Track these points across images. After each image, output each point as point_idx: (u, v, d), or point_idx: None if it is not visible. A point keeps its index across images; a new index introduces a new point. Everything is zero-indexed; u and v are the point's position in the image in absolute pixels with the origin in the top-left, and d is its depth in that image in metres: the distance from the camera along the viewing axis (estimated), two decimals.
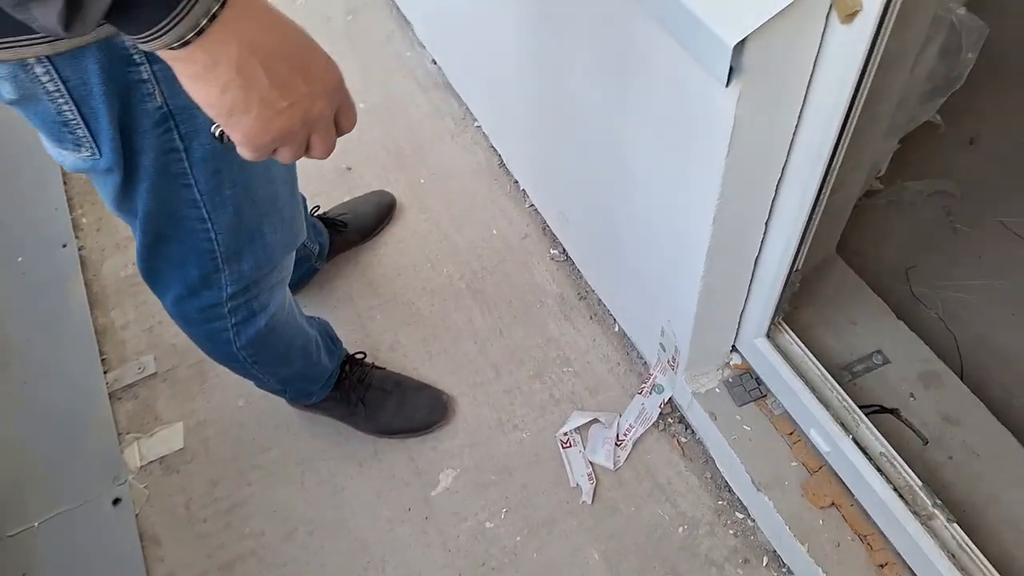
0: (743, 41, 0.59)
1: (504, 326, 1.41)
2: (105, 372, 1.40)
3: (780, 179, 0.80)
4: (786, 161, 0.78)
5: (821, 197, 0.81)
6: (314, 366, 1.14)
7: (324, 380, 1.20)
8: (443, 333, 1.41)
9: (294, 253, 0.95)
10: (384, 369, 1.32)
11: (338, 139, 0.58)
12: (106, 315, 1.50)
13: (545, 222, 1.53)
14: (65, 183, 1.71)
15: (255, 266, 0.86)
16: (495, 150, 1.66)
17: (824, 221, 0.90)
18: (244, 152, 0.53)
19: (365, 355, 1.30)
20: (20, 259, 1.59)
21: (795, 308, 1.12)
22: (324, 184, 1.66)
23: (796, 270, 0.95)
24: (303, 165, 1.48)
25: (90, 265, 1.58)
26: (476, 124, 1.72)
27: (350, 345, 1.29)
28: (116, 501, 1.22)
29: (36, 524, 1.21)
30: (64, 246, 1.60)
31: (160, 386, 1.38)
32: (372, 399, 1.25)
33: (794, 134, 0.74)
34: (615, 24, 0.81)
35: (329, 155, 0.57)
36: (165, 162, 0.69)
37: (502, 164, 1.65)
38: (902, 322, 1.16)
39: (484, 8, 1.27)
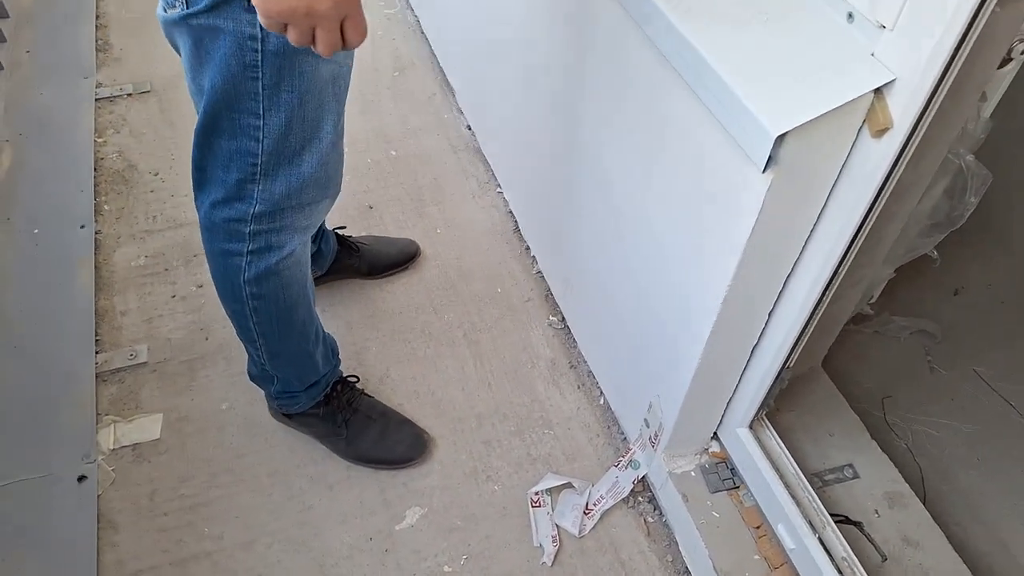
0: (784, 134, 0.65)
1: (493, 380, 1.42)
2: (97, 352, 1.38)
3: (791, 273, 0.85)
4: (799, 256, 0.83)
5: (825, 297, 0.86)
6: (308, 356, 1.14)
7: (312, 383, 1.18)
8: (433, 376, 1.42)
9: (322, 209, 0.97)
10: (372, 397, 1.31)
11: (347, 50, 0.66)
12: (109, 299, 1.49)
13: (549, 289, 1.57)
14: (96, 168, 1.74)
15: (286, 193, 0.89)
16: (512, 215, 1.73)
17: (816, 331, 0.94)
18: (260, 16, 0.62)
19: (358, 379, 1.29)
20: (36, 231, 1.59)
21: (777, 409, 1.15)
22: (345, 218, 1.70)
23: (788, 367, 0.98)
24: None
25: (103, 249, 1.59)
26: (498, 190, 1.79)
27: (342, 367, 1.29)
28: (81, 478, 1.18)
29: None
30: (82, 227, 1.60)
31: (148, 376, 1.36)
32: (356, 424, 1.24)
33: (811, 231, 0.80)
34: (657, 97, 0.87)
35: (329, 54, 0.64)
36: (243, 43, 0.75)
37: (516, 229, 1.70)
38: (875, 442, 1.19)
39: (518, 83, 1.36)
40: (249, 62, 0.77)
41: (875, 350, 1.46)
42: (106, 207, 1.68)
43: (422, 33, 2.21)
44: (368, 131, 1.91)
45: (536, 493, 1.25)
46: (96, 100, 1.90)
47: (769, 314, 0.91)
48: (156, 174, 1.74)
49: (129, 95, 1.94)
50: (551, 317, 1.54)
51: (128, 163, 1.77)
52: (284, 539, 1.17)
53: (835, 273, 0.84)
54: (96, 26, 2.14)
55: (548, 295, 1.57)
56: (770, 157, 0.67)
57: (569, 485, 1.26)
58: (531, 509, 1.23)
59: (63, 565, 1.09)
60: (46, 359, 1.35)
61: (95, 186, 1.71)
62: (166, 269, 1.56)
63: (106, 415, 1.28)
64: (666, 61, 0.80)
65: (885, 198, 0.75)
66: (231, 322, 1.08)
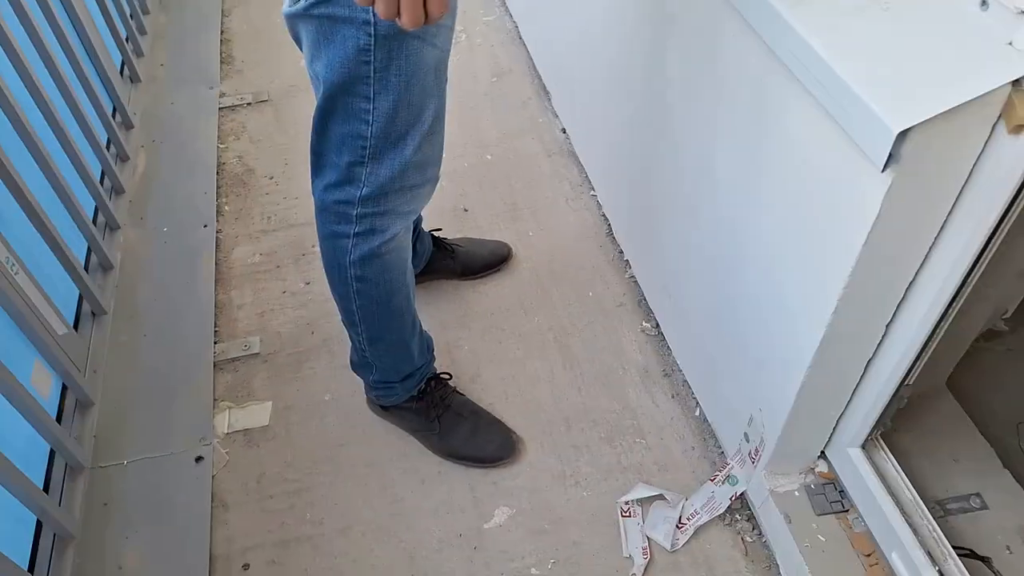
0: (907, 130, 0.60)
1: (584, 384, 1.41)
2: (215, 343, 1.48)
3: (911, 283, 0.79)
4: (921, 266, 0.77)
5: (950, 311, 0.79)
6: (404, 345, 1.18)
7: (408, 375, 1.22)
8: (523, 377, 1.42)
9: (423, 194, 1.01)
10: (464, 396, 1.33)
11: (428, 24, 0.68)
12: (227, 293, 1.60)
13: (643, 294, 1.54)
14: (218, 172, 1.87)
15: (390, 176, 0.93)
16: (606, 219, 1.70)
17: (940, 347, 0.87)
18: None
19: (451, 376, 1.32)
20: (165, 229, 1.73)
21: (894, 429, 1.07)
22: (441, 221, 1.73)
23: (907, 384, 0.91)
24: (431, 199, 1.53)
25: (223, 247, 1.70)
26: (592, 193, 1.78)
27: (436, 367, 1.32)
28: (199, 459, 1.27)
29: (125, 462, 1.27)
30: (205, 226, 1.73)
31: (260, 366, 1.45)
32: (448, 420, 1.27)
33: (936, 238, 0.74)
34: (762, 91, 0.83)
35: (413, 25, 0.67)
36: (357, 28, 0.80)
37: (610, 233, 1.68)
38: (1008, 471, 1.08)
39: (614, 84, 1.34)
40: (363, 46, 0.82)
41: (1009, 371, 1.32)
42: (226, 208, 1.81)
43: (520, 39, 2.23)
44: (465, 136, 1.95)
45: (627, 502, 1.22)
46: (219, 109, 2.05)
47: (886, 327, 0.84)
48: (271, 178, 1.85)
49: (248, 104, 2.08)
50: (644, 323, 1.50)
51: (246, 167, 1.90)
52: (377, 528, 1.20)
53: (962, 285, 0.77)
54: (221, 40, 2.31)
55: (641, 300, 1.54)
56: (890, 155, 0.63)
57: (661, 497, 1.22)
58: (620, 518, 1.21)
59: (180, 539, 1.18)
60: (171, 347, 1.46)
61: (217, 188, 1.84)
62: (278, 266, 1.65)
63: (221, 401, 1.38)
64: (771, 52, 0.76)
65: (1022, 204, 0.68)
66: (337, 306, 1.13)
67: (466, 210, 1.78)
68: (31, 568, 1.08)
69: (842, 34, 0.67)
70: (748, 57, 0.83)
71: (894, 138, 0.60)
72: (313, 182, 0.99)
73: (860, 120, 0.64)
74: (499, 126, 1.98)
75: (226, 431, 1.33)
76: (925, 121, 0.59)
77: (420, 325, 1.22)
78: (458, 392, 1.33)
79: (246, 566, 1.16)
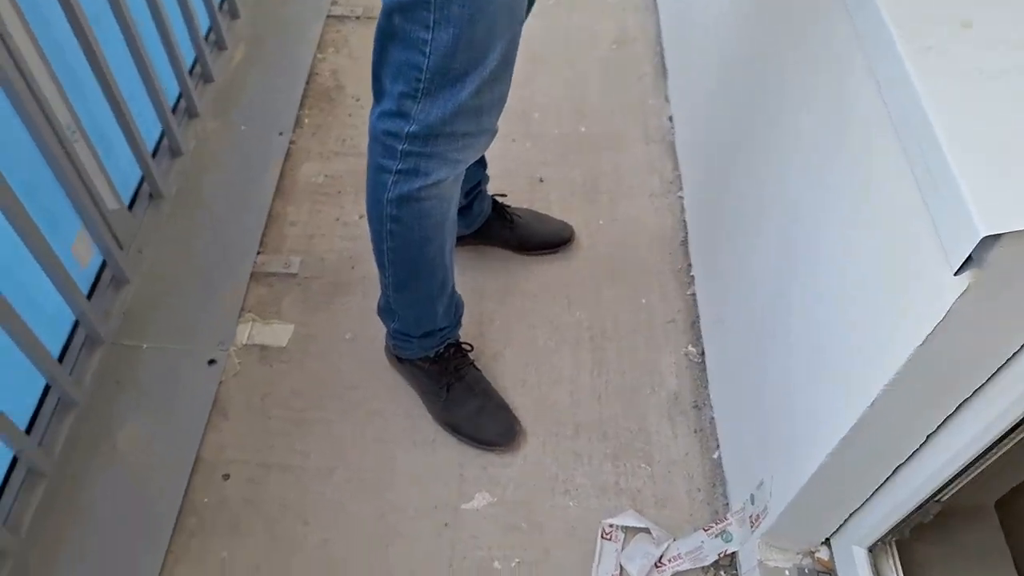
0: (998, 235, 0.53)
1: (606, 394, 1.38)
2: (258, 253, 1.53)
3: (967, 400, 0.71)
4: (984, 384, 0.69)
5: (1005, 442, 0.71)
6: (429, 301, 1.17)
7: (427, 332, 1.22)
8: (546, 370, 1.40)
9: (475, 146, 0.98)
10: (480, 372, 1.33)
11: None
12: (284, 207, 1.64)
13: (698, 316, 1.48)
14: (308, 82, 1.90)
15: (441, 117, 0.90)
16: (685, 225, 1.63)
17: (995, 467, 0.79)
18: None
19: (472, 349, 1.32)
20: (243, 127, 1.78)
21: (917, 539, 0.99)
22: (512, 186, 1.70)
23: (937, 501, 0.84)
24: (501, 159, 1.51)
25: (292, 159, 1.74)
26: (679, 194, 1.70)
27: (462, 333, 1.31)
28: (211, 362, 1.33)
29: (144, 346, 1.35)
30: (280, 134, 1.77)
31: (294, 287, 1.49)
32: (457, 391, 1.27)
33: (1007, 361, 0.66)
34: (864, 146, 0.76)
35: None
36: None
37: (684, 242, 1.61)
38: None
39: (731, 88, 1.26)
40: None
41: None
42: (306, 120, 1.84)
43: (655, 6, 2.12)
44: (565, 101, 1.89)
45: (611, 525, 1.20)
46: (328, 17, 2.07)
47: (928, 437, 0.77)
48: (358, 100, 1.86)
49: (357, 18, 2.09)
50: (690, 347, 1.45)
51: (337, 83, 1.92)
52: (360, 478, 1.24)
53: None
54: None
55: (695, 322, 1.48)
56: (970, 258, 0.56)
57: (647, 531, 1.19)
58: (600, 540, 1.19)
59: (174, 433, 1.25)
60: (216, 246, 1.52)
61: (302, 99, 1.87)
62: (339, 192, 1.68)
63: (248, 312, 1.43)
64: (884, 104, 0.69)
65: None
66: (371, 245, 1.13)
67: (542, 180, 1.75)
68: (29, 428, 1.17)
69: (969, 104, 0.59)
70: (862, 97, 0.76)
71: (978, 240, 0.53)
72: (373, 107, 0.98)
73: (948, 207, 0.57)
74: (605, 98, 1.91)
75: (245, 342, 1.39)
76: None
77: (453, 287, 1.21)
78: (475, 366, 1.33)
79: (226, 476, 1.22)
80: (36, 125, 1.07)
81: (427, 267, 1.12)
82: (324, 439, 1.28)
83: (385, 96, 0.94)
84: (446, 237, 1.11)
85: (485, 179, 1.43)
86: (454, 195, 1.07)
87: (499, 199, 1.52)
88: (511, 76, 0.94)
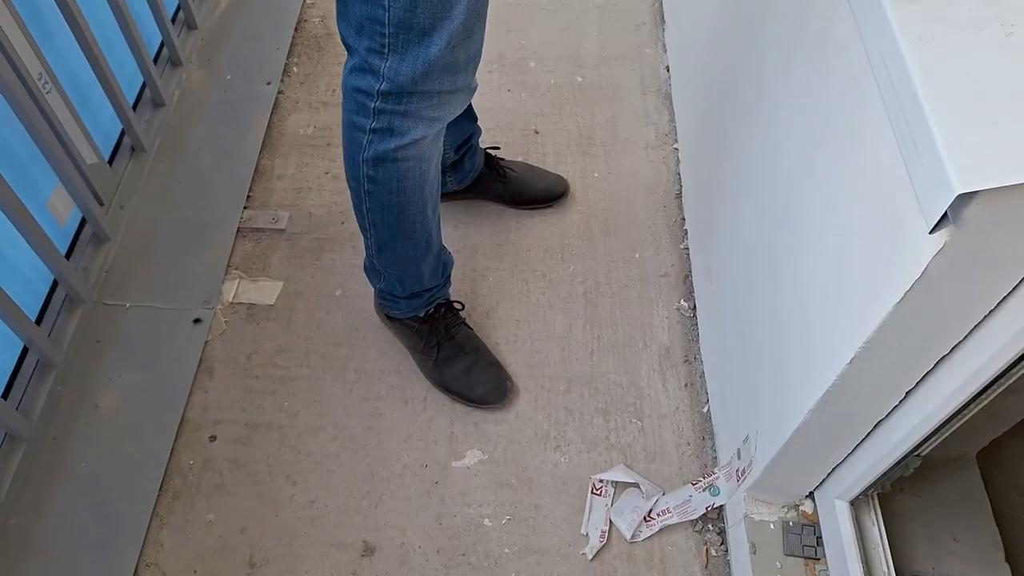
0: (973, 193, 0.53)
1: (598, 348, 1.40)
2: (244, 208, 1.53)
3: (945, 356, 0.73)
4: (962, 341, 0.70)
5: (990, 391, 0.73)
6: (414, 263, 1.17)
7: (413, 294, 1.22)
8: (539, 326, 1.42)
9: (452, 102, 0.96)
10: (471, 330, 1.35)
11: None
12: (271, 160, 1.64)
13: (690, 271, 1.49)
14: (296, 30, 1.87)
15: (411, 76, 0.89)
16: (679, 178, 1.63)
17: (979, 418, 0.81)
18: None
19: (463, 307, 1.33)
20: (229, 77, 1.76)
21: (901, 489, 1.03)
22: (507, 138, 1.70)
23: (918, 455, 0.86)
24: (496, 110, 1.49)
25: (280, 110, 1.73)
26: (675, 146, 1.69)
27: (454, 289, 1.33)
28: (197, 320, 1.35)
29: (128, 305, 1.37)
30: (268, 83, 1.75)
31: (282, 243, 1.50)
32: (447, 351, 1.29)
33: (984, 318, 0.67)
34: (849, 100, 0.76)
35: None
36: None
37: (679, 195, 1.61)
38: (1008, 566, 1.03)
39: (728, 34, 1.24)
40: None
41: None
42: (295, 69, 1.82)
43: None
44: (561, 50, 1.87)
45: (601, 480, 1.24)
46: None
47: (907, 393, 0.79)
48: None
49: None
50: (682, 302, 1.46)
51: (327, 30, 1.89)
52: (348, 436, 1.27)
53: (1011, 368, 0.70)
54: None
55: (687, 277, 1.49)
56: (945, 216, 0.56)
57: (637, 485, 1.23)
58: (590, 495, 1.23)
59: (158, 394, 1.27)
60: (201, 201, 1.52)
61: (290, 46, 1.85)
62: (328, 144, 1.68)
63: (235, 269, 1.45)
64: (867, 56, 0.68)
65: None
66: (351, 203, 1.13)
67: (537, 132, 1.73)
68: (6, 392, 1.18)
69: (945, 52, 0.59)
70: (847, 51, 0.75)
71: (953, 198, 0.54)
72: (346, 60, 0.96)
73: (926, 164, 0.57)
74: (601, 47, 1.88)
75: (231, 300, 1.40)
76: (1003, 188, 0.52)
77: (439, 246, 1.22)
78: (467, 325, 1.35)
79: (213, 438, 1.26)
80: (1, 75, 1.05)
81: (408, 229, 1.12)
82: (311, 397, 1.31)
83: (351, 51, 0.92)
84: (427, 198, 1.10)
85: (477, 132, 1.42)
86: (434, 154, 1.06)
87: (492, 152, 1.51)
88: (484, 29, 0.92)
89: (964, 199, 0.55)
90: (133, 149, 1.52)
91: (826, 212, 0.81)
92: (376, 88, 0.92)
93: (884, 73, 0.64)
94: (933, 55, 0.59)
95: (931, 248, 0.60)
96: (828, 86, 0.81)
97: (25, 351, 1.21)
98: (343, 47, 0.95)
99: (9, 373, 1.18)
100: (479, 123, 1.41)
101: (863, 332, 0.72)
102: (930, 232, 0.58)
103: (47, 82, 1.14)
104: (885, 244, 0.68)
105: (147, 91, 1.60)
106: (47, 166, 1.21)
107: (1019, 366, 0.69)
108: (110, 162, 1.45)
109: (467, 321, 1.36)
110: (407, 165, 1.02)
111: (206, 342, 1.34)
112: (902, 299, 0.65)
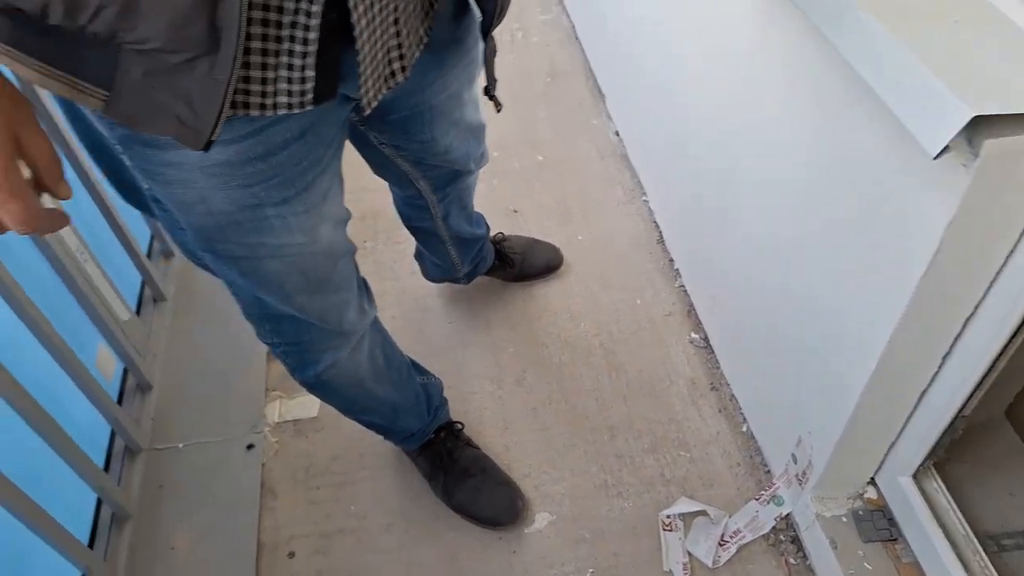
0: (979, 121, 0.57)
1: (629, 393, 1.44)
2: None
3: (970, 316, 0.80)
4: (981, 300, 0.78)
5: (1010, 346, 0.80)
6: (389, 422, 1.18)
7: (406, 436, 1.23)
8: (568, 383, 1.46)
9: (330, 315, 0.89)
10: (477, 449, 1.30)
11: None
12: None
13: (692, 304, 1.56)
14: None
15: (280, 340, 0.90)
16: (657, 226, 1.73)
17: (1002, 377, 0.87)
18: None
19: (463, 427, 1.31)
20: None
21: (948, 459, 1.07)
22: (490, 220, 1.77)
23: (963, 416, 0.92)
24: (481, 199, 1.53)
25: None
26: (644, 198, 1.80)
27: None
28: (250, 447, 1.35)
29: (181, 445, 1.36)
30: None
31: None
32: (454, 475, 1.25)
33: (995, 277, 0.74)
34: (826, 93, 0.84)
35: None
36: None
37: (660, 240, 1.70)
38: None
39: (669, 88, 1.36)
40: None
41: None
42: None
43: (576, 39, 2.25)
44: (518, 137, 1.99)
45: (668, 516, 1.25)
46: None
47: (943, 358, 0.85)
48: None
49: None
50: (693, 334, 1.53)
51: None
52: (420, 526, 1.26)
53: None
54: None
55: (691, 311, 1.56)
56: (946, 149, 0.60)
57: (703, 513, 1.25)
58: (662, 532, 1.24)
59: (229, 523, 1.26)
60: (226, 335, 1.53)
61: None
62: None
63: (273, 391, 1.45)
64: (833, 47, 0.73)
65: None
66: None
67: (515, 211, 1.82)
68: (91, 544, 1.17)
69: (913, 30, 0.65)
70: (807, 56, 0.85)
71: (967, 120, 0.56)
72: None
73: (928, 112, 0.61)
74: (552, 127, 2.01)
75: (277, 420, 1.41)
76: (1010, 116, 0.58)
77: (414, 394, 1.17)
78: (472, 444, 1.30)
79: (291, 554, 1.23)
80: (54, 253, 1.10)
81: (368, 410, 1.12)
82: (375, 497, 1.30)
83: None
84: (379, 391, 1.08)
85: (485, 246, 1.45)
86: (361, 360, 1.01)
87: (499, 243, 1.56)
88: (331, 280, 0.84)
89: (974, 144, 0.61)
90: (155, 300, 1.55)
91: (834, 203, 0.89)
92: (260, 337, 0.93)
93: (860, 56, 0.69)
94: (908, 33, 0.66)
95: (944, 215, 0.67)
96: (803, 86, 0.91)
97: (99, 505, 1.19)
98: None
99: (89, 529, 1.16)
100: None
101: (895, 312, 0.78)
102: (934, 158, 0.61)
103: (83, 252, 1.18)
104: (902, 222, 0.75)
105: (155, 242, 1.64)
106: (92, 329, 1.23)
107: None
108: (137, 313, 1.47)
109: (471, 441, 1.30)
110: (338, 381, 1.00)
111: (263, 464, 1.33)
112: (925, 272, 0.73)
